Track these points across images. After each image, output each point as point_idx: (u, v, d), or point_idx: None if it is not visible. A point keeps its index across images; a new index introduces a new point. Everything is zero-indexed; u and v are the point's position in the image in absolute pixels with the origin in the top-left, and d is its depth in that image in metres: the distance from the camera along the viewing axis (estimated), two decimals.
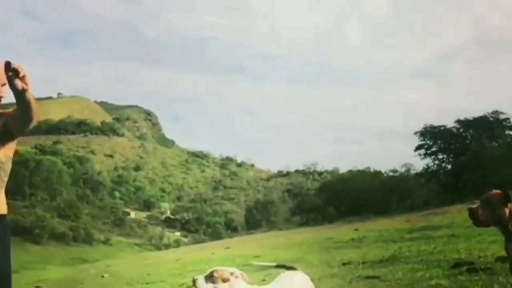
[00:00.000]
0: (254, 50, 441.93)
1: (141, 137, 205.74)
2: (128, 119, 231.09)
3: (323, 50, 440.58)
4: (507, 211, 3.85)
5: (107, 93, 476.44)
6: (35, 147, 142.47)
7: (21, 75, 3.22)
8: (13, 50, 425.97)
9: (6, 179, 3.73)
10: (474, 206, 3.92)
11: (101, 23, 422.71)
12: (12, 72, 3.22)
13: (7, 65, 3.23)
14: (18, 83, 3.22)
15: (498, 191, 3.92)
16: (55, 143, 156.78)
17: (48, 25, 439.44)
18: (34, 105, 3.37)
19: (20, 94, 3.26)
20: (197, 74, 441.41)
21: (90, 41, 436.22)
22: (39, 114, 3.45)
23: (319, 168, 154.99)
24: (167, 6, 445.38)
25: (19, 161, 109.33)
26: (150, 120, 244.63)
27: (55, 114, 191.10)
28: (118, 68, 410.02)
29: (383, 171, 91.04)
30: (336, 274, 8.75)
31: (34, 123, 3.48)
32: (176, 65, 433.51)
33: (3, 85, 3.56)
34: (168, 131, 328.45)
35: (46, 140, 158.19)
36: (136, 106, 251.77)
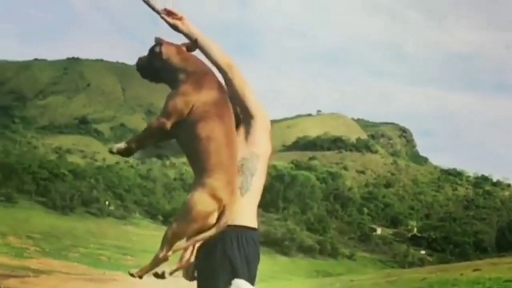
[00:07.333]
0: None
1: (395, 154, 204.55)
2: (383, 136, 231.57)
3: None
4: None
5: (365, 110, 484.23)
6: (292, 162, 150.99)
7: (179, 16, 2.87)
8: (279, 69, 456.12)
9: (254, 183, 2.79)
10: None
11: (366, 42, 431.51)
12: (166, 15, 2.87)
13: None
14: (177, 22, 2.86)
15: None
16: (310, 158, 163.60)
17: (314, 44, 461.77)
18: (210, 44, 2.89)
19: (182, 32, 2.87)
20: (456, 90, 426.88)
21: (353, 60, 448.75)
22: (223, 56, 2.88)
23: None
24: (431, 23, 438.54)
25: (275, 175, 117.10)
26: (404, 137, 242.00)
27: (313, 131, 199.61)
28: (378, 86, 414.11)
29: None
30: None
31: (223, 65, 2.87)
32: (436, 82, 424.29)
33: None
34: (422, 148, 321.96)
35: (302, 156, 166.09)
36: (391, 123, 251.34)
